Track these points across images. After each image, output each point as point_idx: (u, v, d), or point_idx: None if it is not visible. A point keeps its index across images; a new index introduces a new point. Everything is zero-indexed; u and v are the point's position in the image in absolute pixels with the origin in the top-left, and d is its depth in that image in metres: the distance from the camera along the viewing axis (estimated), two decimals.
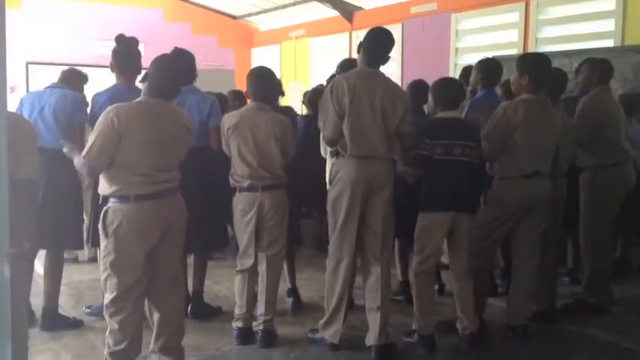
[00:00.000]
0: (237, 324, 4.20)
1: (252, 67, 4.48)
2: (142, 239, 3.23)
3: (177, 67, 3.47)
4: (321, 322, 4.11)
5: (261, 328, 4.15)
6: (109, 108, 3.23)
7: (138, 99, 3.34)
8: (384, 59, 4.00)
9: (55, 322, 4.39)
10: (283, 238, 4.23)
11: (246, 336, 4.17)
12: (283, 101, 6.00)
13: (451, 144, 3.99)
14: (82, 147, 4.19)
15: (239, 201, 4.13)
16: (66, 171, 4.25)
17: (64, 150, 3.53)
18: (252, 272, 4.18)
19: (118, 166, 3.19)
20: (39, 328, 4.31)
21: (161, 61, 3.40)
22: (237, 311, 4.20)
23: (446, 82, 4.29)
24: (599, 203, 4.78)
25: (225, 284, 5.47)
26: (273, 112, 4.19)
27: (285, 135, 4.14)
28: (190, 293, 4.67)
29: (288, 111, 5.92)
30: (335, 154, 4.01)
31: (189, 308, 4.54)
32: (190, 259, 4.74)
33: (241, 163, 4.07)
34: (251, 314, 4.21)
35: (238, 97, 5.84)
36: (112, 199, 3.22)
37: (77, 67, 4.88)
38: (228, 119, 4.15)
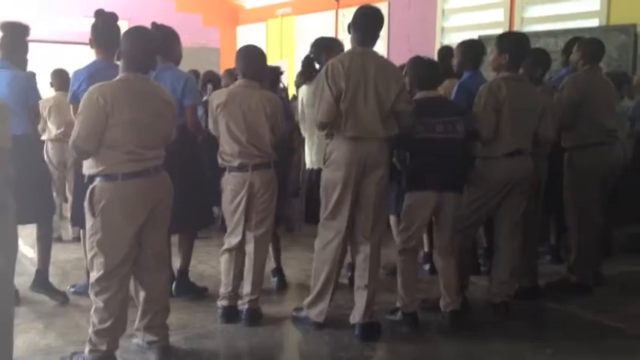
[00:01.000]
0: (222, 302, 4.21)
1: (238, 45, 4.45)
2: (130, 217, 3.23)
3: (147, 36, 3.41)
4: (307, 300, 4.13)
5: (246, 307, 4.16)
6: (92, 88, 3.21)
7: (118, 77, 3.32)
8: (375, 38, 3.97)
9: (45, 286, 4.54)
10: (271, 217, 4.23)
11: (231, 314, 4.19)
12: None
13: (433, 122, 3.98)
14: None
15: (229, 181, 4.11)
16: (29, 152, 4.25)
17: None
18: (239, 251, 4.19)
19: (105, 145, 3.18)
20: (29, 289, 4.44)
21: (130, 32, 3.38)
22: (222, 290, 4.22)
23: (424, 64, 4.23)
24: (577, 183, 4.80)
25: (210, 263, 5.48)
26: (263, 89, 4.17)
27: (276, 112, 4.12)
28: (175, 272, 4.67)
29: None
30: (329, 135, 4.00)
31: (173, 286, 4.54)
32: (176, 238, 4.73)
33: (231, 141, 4.05)
34: (236, 293, 4.23)
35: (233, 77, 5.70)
36: (98, 178, 3.21)
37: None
38: (217, 97, 4.12)
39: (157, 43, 3.49)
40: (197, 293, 4.69)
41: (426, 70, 4.18)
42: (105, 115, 3.13)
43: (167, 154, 3.47)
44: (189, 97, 4.38)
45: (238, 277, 4.23)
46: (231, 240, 4.19)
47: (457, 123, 4.04)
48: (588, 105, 4.71)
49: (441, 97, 4.24)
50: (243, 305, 4.18)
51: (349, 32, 3.97)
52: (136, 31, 3.39)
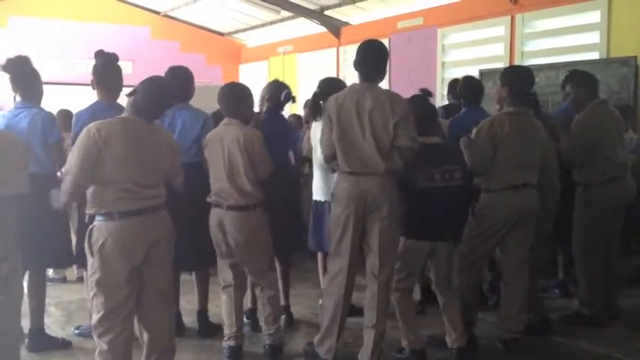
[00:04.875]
0: (228, 343, 4.16)
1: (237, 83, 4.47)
2: (127, 257, 3.21)
3: (167, 91, 3.44)
4: (317, 337, 4.07)
5: (268, 342, 4.18)
6: (91, 124, 3.24)
7: (120, 115, 3.34)
8: (379, 71, 3.95)
9: (43, 342, 4.34)
10: (263, 257, 4.20)
11: (237, 355, 4.15)
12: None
13: (432, 171, 3.94)
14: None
15: (211, 216, 4.13)
16: (45, 192, 4.22)
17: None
18: (237, 287, 4.19)
19: (101, 183, 3.18)
20: (26, 349, 4.25)
21: (150, 82, 3.39)
22: (227, 331, 4.17)
23: (425, 108, 4.14)
24: (589, 219, 4.76)
25: (215, 302, 5.41)
26: (242, 126, 4.11)
27: (252, 148, 4.02)
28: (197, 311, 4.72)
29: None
30: (333, 170, 4.03)
31: (198, 328, 4.65)
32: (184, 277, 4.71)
33: (213, 179, 4.08)
34: (241, 332, 4.20)
35: None
36: (97, 218, 3.21)
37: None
38: (207, 137, 4.18)
39: (172, 96, 3.51)
40: (217, 331, 4.60)
41: (424, 116, 4.05)
42: (97, 149, 3.14)
43: (178, 193, 3.46)
44: (206, 135, 4.38)
45: (240, 315, 4.23)
46: (225, 277, 4.20)
47: (455, 171, 3.99)
48: (602, 141, 4.69)
49: (438, 145, 4.12)
50: (265, 341, 4.20)
51: (356, 69, 3.97)
52: (155, 85, 3.40)
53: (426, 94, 4.73)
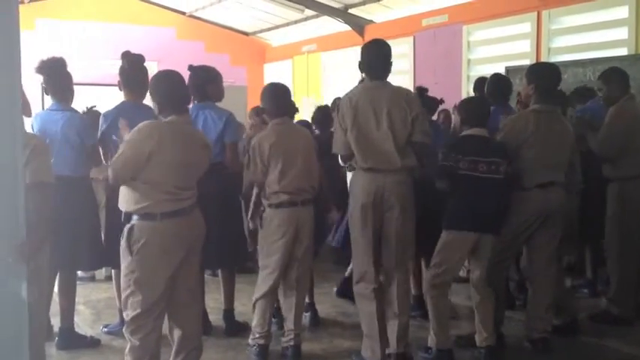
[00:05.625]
0: (257, 341, 4.19)
1: (265, 82, 4.52)
2: (168, 257, 3.26)
3: (173, 76, 3.45)
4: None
5: (292, 343, 4.16)
6: (146, 123, 3.28)
7: (165, 120, 3.36)
8: (385, 69, 3.97)
9: (72, 340, 4.39)
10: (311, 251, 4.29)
11: (264, 353, 4.18)
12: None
13: (475, 160, 3.93)
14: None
15: (274, 217, 4.08)
16: (80, 196, 4.28)
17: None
18: (275, 292, 4.22)
19: (145, 183, 3.22)
20: (56, 347, 4.30)
21: (155, 79, 3.46)
22: (257, 329, 4.19)
23: (475, 102, 4.22)
24: (627, 215, 4.72)
25: (240, 300, 5.45)
26: (299, 125, 4.33)
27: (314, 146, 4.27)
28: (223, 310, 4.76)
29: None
30: (350, 168, 4.04)
31: (224, 327, 4.68)
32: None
33: (284, 179, 4.04)
34: (270, 331, 4.23)
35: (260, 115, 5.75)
36: (135, 217, 3.24)
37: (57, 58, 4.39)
38: (266, 138, 4.10)
39: (182, 81, 3.52)
40: (243, 330, 4.63)
41: (476, 108, 4.16)
42: (148, 151, 3.18)
43: (203, 191, 3.50)
44: (229, 134, 4.42)
45: (271, 316, 4.26)
46: (269, 282, 4.13)
47: (500, 165, 3.98)
48: (635, 136, 4.68)
49: (486, 138, 4.13)
50: (288, 342, 4.17)
51: (361, 71, 3.99)
52: (161, 76, 3.46)
53: (422, 90, 5.03)
